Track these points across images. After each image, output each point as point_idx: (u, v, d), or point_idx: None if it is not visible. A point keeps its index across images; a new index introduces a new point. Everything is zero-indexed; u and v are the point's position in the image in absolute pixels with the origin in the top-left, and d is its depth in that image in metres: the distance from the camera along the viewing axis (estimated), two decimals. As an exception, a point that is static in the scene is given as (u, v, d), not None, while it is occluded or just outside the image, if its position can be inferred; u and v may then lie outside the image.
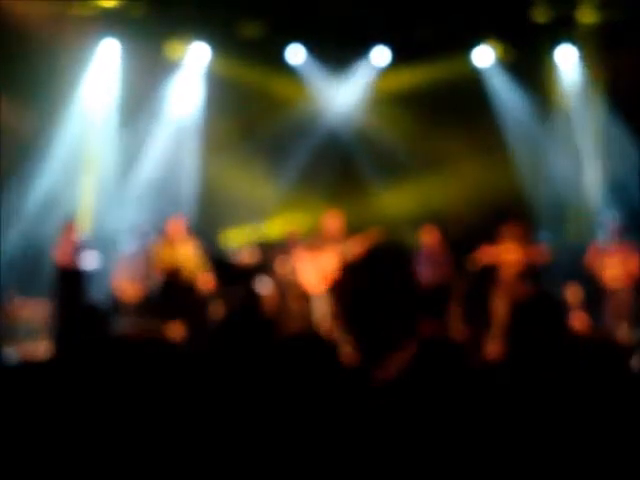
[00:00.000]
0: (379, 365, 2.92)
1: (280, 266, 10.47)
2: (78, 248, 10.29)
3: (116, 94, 11.95)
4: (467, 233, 11.01)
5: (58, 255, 10.16)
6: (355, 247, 10.39)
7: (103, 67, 11.87)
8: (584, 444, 2.65)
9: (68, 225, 10.48)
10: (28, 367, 4.00)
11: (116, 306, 9.98)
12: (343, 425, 2.90)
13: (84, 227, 10.88)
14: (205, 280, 10.25)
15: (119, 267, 10.37)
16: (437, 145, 11.88)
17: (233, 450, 3.03)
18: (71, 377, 3.50)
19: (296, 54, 12.11)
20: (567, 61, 11.86)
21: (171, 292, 10.17)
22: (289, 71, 12.18)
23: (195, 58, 12.06)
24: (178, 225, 10.49)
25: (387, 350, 2.89)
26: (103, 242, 10.94)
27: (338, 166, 12.04)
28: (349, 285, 10.28)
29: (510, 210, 10.68)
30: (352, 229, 10.66)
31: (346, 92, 12.36)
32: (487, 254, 10.00)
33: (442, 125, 11.68)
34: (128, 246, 10.53)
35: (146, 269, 10.32)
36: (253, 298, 10.23)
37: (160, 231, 10.53)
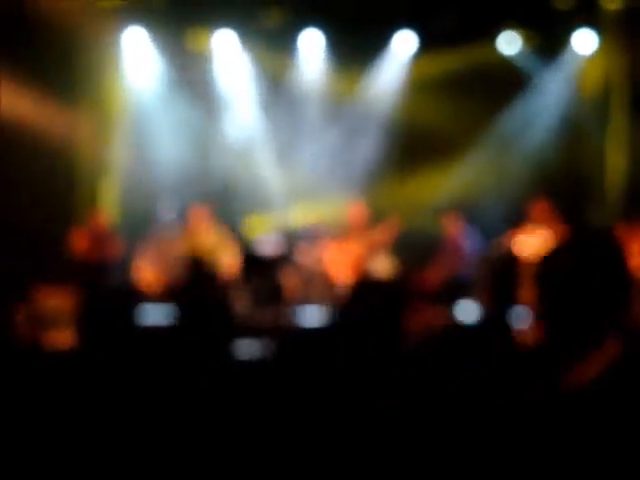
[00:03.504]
0: (571, 366, 2.64)
1: (304, 256, 10.45)
2: (102, 237, 10.31)
3: (152, 82, 12.02)
4: (496, 219, 10.94)
5: (80, 244, 10.18)
6: (378, 237, 10.36)
7: (134, 56, 11.93)
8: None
9: (92, 214, 10.50)
10: (53, 356, 4.01)
11: (139, 295, 9.98)
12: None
13: (109, 216, 10.91)
14: (229, 268, 10.24)
15: (142, 256, 10.38)
16: (467, 131, 11.83)
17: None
18: (95, 366, 3.50)
19: (315, 41, 12.06)
20: (588, 47, 11.74)
21: (194, 281, 10.16)
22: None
23: (221, 46, 12.03)
24: (201, 213, 10.47)
25: (582, 349, 2.62)
26: (130, 230, 10.98)
27: (365, 154, 12.02)
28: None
29: (540, 192, 10.56)
30: (378, 217, 10.64)
31: (373, 80, 12.31)
32: (513, 239, 9.91)
33: (472, 111, 11.62)
34: (152, 234, 10.54)
35: (169, 258, 10.32)
36: (277, 288, 10.22)
37: (184, 219, 10.53)
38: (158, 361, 3.59)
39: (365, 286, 4.14)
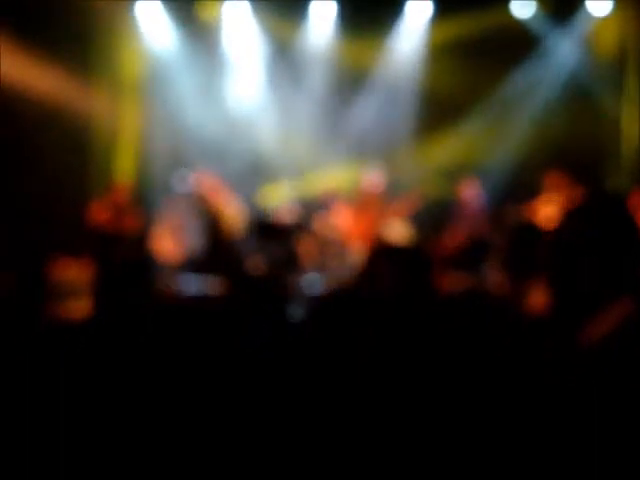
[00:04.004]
0: (581, 324, 2.62)
1: (320, 224, 10.45)
2: (120, 210, 10.34)
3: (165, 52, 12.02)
4: (513, 185, 10.89)
5: (98, 216, 10.22)
6: (398, 207, 10.37)
7: (148, 27, 11.93)
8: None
9: (110, 186, 10.53)
10: (70, 326, 4.04)
11: (157, 265, 10.03)
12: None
13: (127, 188, 10.92)
14: (243, 234, 10.27)
15: (160, 226, 10.41)
16: (481, 97, 11.77)
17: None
18: (114, 336, 3.52)
19: (327, 9, 12.00)
20: (602, 10, 11.61)
21: (210, 248, 10.20)
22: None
23: (232, 15, 11.98)
24: (217, 182, 10.48)
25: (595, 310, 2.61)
26: (148, 201, 11.02)
27: (380, 121, 11.98)
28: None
29: (557, 159, 10.49)
30: (394, 185, 10.64)
31: (387, 47, 12.23)
32: (529, 208, 9.88)
33: (486, 76, 11.54)
34: (169, 204, 10.57)
35: (187, 227, 10.35)
36: (293, 256, 10.23)
37: (200, 188, 10.54)
38: (177, 332, 3.60)
39: (382, 253, 4.13)
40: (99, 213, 10.24)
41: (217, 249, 10.18)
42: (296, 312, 4.13)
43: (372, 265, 3.95)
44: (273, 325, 3.83)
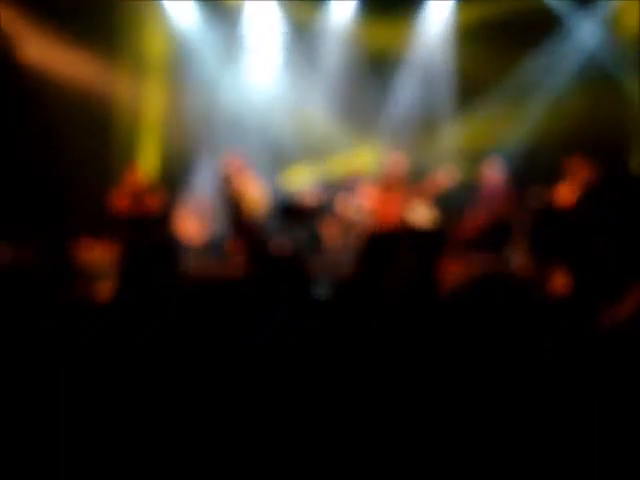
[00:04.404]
0: (607, 308, 2.60)
1: (343, 206, 10.46)
2: (141, 193, 10.36)
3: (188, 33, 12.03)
4: (537, 167, 10.84)
5: (119, 202, 10.24)
6: (425, 189, 10.35)
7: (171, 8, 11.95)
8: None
9: (130, 170, 10.56)
10: (95, 307, 4.06)
11: (180, 247, 10.06)
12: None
13: (147, 170, 10.96)
14: (267, 217, 10.29)
15: (183, 208, 10.44)
16: (506, 78, 11.71)
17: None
18: (139, 318, 3.54)
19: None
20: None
21: (234, 229, 10.22)
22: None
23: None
24: (236, 162, 10.47)
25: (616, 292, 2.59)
26: (171, 183, 11.07)
27: (403, 103, 11.95)
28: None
29: (578, 141, 10.42)
30: (417, 167, 10.62)
31: (411, 28, 12.19)
32: (551, 191, 9.83)
33: (512, 57, 11.48)
34: (192, 185, 10.60)
35: (211, 207, 10.38)
36: (316, 238, 10.24)
37: (223, 169, 10.55)
38: (201, 314, 3.62)
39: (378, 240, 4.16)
40: (119, 199, 10.27)
41: (240, 231, 10.20)
42: (320, 292, 4.15)
43: (368, 253, 3.95)
44: (295, 305, 3.84)
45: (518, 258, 9.37)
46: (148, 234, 10.20)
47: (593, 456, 2.41)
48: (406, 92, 12.00)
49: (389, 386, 2.93)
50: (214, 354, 3.27)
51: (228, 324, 3.49)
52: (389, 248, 3.81)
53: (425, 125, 11.96)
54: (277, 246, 9.97)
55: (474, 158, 11.26)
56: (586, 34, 11.67)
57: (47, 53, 10.55)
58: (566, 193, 9.61)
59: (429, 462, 2.73)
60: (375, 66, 11.99)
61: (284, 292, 3.96)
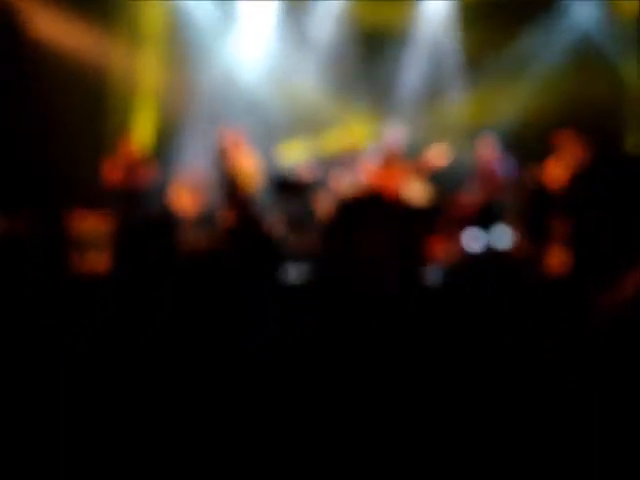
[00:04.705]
0: (604, 289, 2.58)
1: (337, 181, 10.43)
2: (134, 165, 10.31)
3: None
4: (532, 145, 10.82)
5: (112, 174, 10.19)
6: (422, 165, 10.33)
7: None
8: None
9: (122, 142, 10.50)
10: (91, 278, 4.06)
11: (175, 219, 10.03)
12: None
13: (141, 142, 10.92)
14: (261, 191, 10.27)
15: (178, 180, 10.41)
16: (502, 55, 11.68)
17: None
18: (134, 289, 3.54)
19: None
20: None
21: (228, 204, 10.19)
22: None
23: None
24: (232, 135, 10.43)
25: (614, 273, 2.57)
26: (166, 155, 11.04)
27: (401, 80, 11.93)
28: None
29: (570, 119, 10.40)
30: (415, 143, 10.60)
31: (411, 7, 12.13)
32: (544, 168, 9.81)
33: (508, 35, 11.45)
34: (188, 158, 10.57)
35: (206, 180, 10.35)
36: (310, 213, 10.23)
37: (218, 143, 10.51)
38: (196, 285, 3.62)
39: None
40: (112, 172, 10.22)
41: (234, 204, 10.17)
42: (292, 275, 4.14)
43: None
44: (263, 288, 3.84)
45: (514, 237, 9.39)
46: (140, 206, 10.17)
47: (593, 456, 2.42)
48: (407, 68, 11.98)
49: (384, 379, 2.93)
50: (202, 326, 3.28)
51: (218, 296, 3.49)
52: (357, 216, 3.80)
53: (425, 101, 11.95)
54: (269, 225, 9.98)
55: (472, 134, 11.24)
56: (583, 13, 11.64)
57: (44, 23, 10.47)
58: (555, 169, 9.59)
59: (428, 453, 2.74)
60: (370, 40, 11.95)
61: (255, 273, 3.97)
